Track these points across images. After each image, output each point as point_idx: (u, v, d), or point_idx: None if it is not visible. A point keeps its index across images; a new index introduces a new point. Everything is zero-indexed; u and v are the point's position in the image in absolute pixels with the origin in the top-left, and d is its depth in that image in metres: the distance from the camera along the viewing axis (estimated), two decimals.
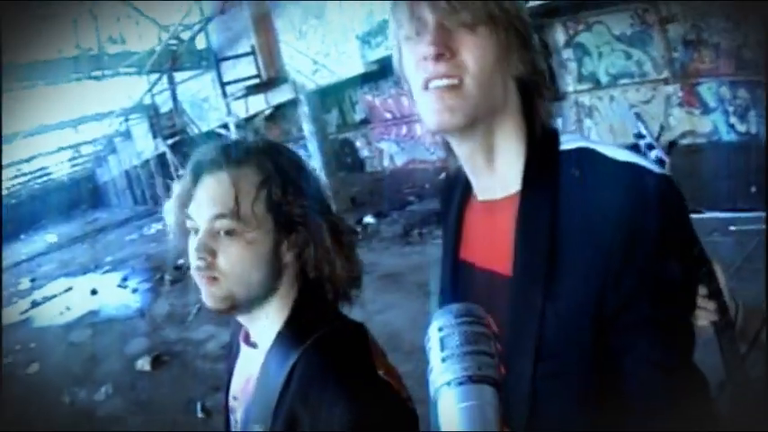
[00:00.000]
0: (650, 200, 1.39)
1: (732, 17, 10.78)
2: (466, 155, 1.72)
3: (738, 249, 7.95)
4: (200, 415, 8.21)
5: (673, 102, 12.32)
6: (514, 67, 1.63)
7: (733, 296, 1.89)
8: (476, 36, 1.54)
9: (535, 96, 1.67)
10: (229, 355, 2.14)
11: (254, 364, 1.85)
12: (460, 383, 1.19)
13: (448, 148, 1.78)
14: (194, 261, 1.74)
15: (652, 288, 1.38)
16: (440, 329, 1.26)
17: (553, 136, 1.65)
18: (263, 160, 1.78)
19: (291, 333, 1.78)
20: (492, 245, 1.69)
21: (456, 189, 1.94)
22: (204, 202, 1.75)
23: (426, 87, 1.57)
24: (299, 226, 1.78)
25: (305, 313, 1.82)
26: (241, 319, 1.91)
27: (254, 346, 1.91)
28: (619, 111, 13.59)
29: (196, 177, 1.81)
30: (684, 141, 12.16)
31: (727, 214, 10.00)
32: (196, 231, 1.75)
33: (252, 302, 1.80)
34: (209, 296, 1.76)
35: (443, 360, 1.22)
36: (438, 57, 1.52)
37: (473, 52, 1.53)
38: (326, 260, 1.82)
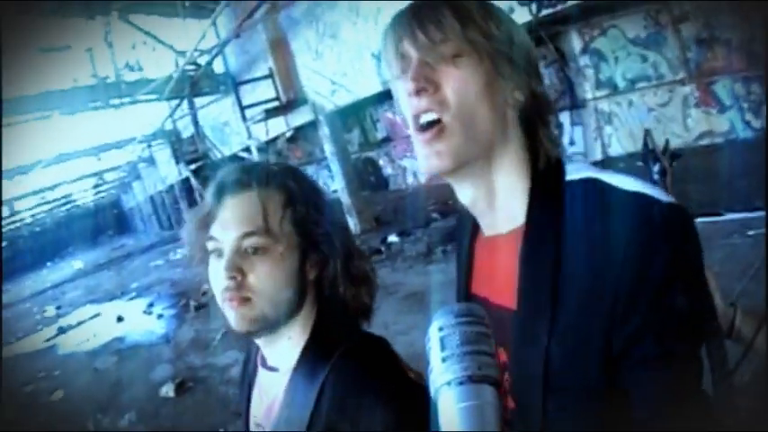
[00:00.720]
0: (658, 233, 1.33)
1: (739, 11, 10.76)
2: (465, 195, 1.68)
3: (756, 251, 7.88)
4: None
5: (690, 102, 12.34)
6: (510, 96, 1.58)
7: (734, 300, 1.86)
8: (458, 69, 1.52)
9: (538, 124, 1.62)
10: (243, 381, 2.17)
11: (277, 388, 1.87)
12: (460, 383, 1.19)
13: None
14: (223, 282, 1.75)
15: (659, 324, 1.32)
16: (440, 329, 1.26)
17: (557, 166, 1.60)
18: (286, 181, 1.85)
19: (316, 351, 1.81)
20: (500, 280, 1.64)
21: (466, 223, 1.88)
22: (231, 221, 1.78)
23: (416, 127, 1.56)
24: (320, 245, 1.85)
25: (327, 331, 1.85)
26: (262, 341, 1.93)
27: (273, 369, 1.92)
28: (638, 115, 13.61)
29: (219, 198, 1.84)
30: (703, 142, 12.13)
31: (744, 215, 9.93)
32: (219, 253, 1.79)
33: (279, 322, 1.82)
34: (239, 319, 1.77)
35: (443, 360, 1.23)
36: (418, 92, 1.52)
37: (453, 86, 1.52)
38: (340, 280, 1.88)
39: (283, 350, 1.88)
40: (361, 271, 1.95)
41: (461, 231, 1.94)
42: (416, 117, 1.56)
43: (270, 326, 1.81)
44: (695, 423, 1.34)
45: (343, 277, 1.88)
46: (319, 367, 1.75)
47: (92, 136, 34.55)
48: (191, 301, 17.30)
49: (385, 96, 19.14)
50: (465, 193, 1.67)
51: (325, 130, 20.43)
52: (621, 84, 13.65)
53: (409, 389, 1.70)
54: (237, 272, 1.72)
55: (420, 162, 1.60)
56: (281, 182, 1.84)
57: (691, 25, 11.73)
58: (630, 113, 13.79)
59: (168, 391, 10.40)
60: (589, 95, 14.22)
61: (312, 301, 1.90)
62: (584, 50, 14.04)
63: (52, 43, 22.68)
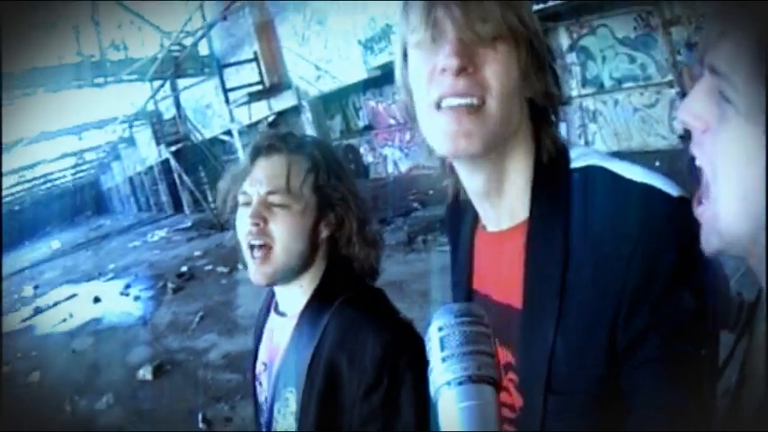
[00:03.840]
0: (667, 229, 1.29)
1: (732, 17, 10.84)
2: (475, 184, 1.59)
3: None
4: (200, 425, 8.14)
5: (676, 105, 12.34)
6: (531, 88, 1.50)
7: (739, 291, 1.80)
8: (497, 52, 1.41)
9: (542, 122, 1.56)
10: (258, 324, 2.34)
11: (284, 332, 2.09)
12: (460, 383, 1.16)
13: (452, 171, 1.66)
14: (247, 227, 1.99)
15: (665, 324, 1.28)
16: (440, 329, 1.23)
17: (562, 154, 1.53)
18: (314, 151, 2.10)
19: (321, 299, 2.03)
20: (504, 277, 1.58)
21: (464, 218, 1.83)
22: (260, 179, 2.02)
23: (439, 106, 1.43)
24: (337, 208, 2.08)
25: (333, 283, 2.07)
26: (278, 289, 2.16)
27: (282, 314, 2.16)
28: (623, 115, 13.62)
29: (253, 159, 2.08)
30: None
31: None
32: (248, 205, 2.02)
33: (292, 272, 2.05)
34: (258, 271, 2.01)
35: (443, 360, 1.20)
36: (460, 71, 1.38)
37: (496, 70, 1.41)
38: (354, 240, 2.10)
39: (294, 297, 2.09)
40: (373, 235, 2.17)
41: (458, 226, 1.87)
42: (442, 97, 1.42)
43: (285, 275, 2.03)
44: (698, 424, 1.30)
45: (357, 238, 2.10)
46: (323, 312, 1.97)
47: (74, 115, 34.47)
48: (168, 283, 17.32)
49: (369, 84, 19.16)
50: (476, 182, 1.58)
51: (307, 116, 20.47)
52: (608, 83, 13.67)
53: (399, 326, 1.95)
54: (260, 219, 1.96)
55: (439, 141, 1.46)
56: (308, 150, 2.08)
57: (682, 28, 11.77)
58: (616, 112, 13.81)
59: (146, 373, 10.35)
60: (575, 93, 14.24)
61: (323, 257, 2.11)
62: (572, 48, 14.06)
63: (39, 20, 22.52)
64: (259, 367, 2.23)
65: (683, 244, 1.25)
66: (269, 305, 2.28)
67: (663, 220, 1.29)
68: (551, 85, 1.53)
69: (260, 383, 2.22)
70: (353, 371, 1.84)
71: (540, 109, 1.55)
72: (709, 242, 1.31)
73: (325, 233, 2.07)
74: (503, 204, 1.58)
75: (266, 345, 2.22)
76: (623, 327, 1.30)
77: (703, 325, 1.31)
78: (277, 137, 2.12)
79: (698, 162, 1.42)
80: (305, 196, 2.01)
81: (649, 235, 1.28)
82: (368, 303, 2.02)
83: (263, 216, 1.97)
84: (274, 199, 1.98)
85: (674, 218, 1.28)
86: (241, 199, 2.05)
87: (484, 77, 1.40)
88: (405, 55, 1.56)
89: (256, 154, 2.09)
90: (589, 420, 1.39)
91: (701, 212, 1.34)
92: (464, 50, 1.38)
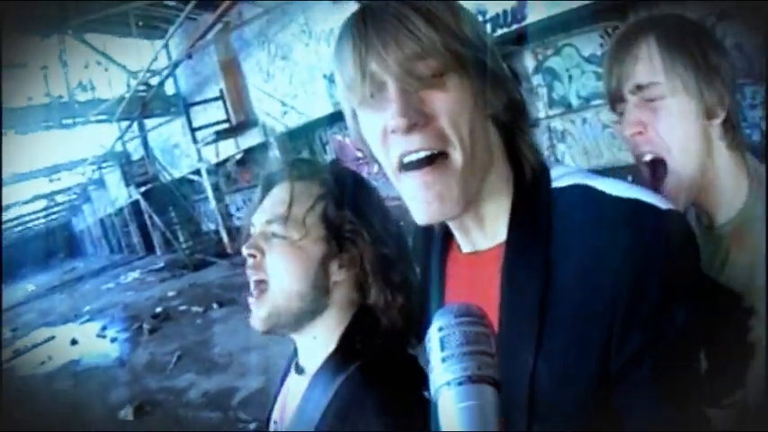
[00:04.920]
0: (655, 244, 1.23)
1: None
2: (452, 222, 1.52)
3: None
4: None
5: None
6: (490, 107, 1.40)
7: None
8: (446, 90, 1.32)
9: (516, 132, 1.47)
10: (280, 380, 2.15)
11: (298, 390, 1.87)
12: (460, 383, 1.18)
13: None
14: (247, 260, 1.82)
15: (658, 343, 1.24)
16: (440, 329, 1.25)
17: (543, 173, 1.46)
18: (328, 178, 1.86)
19: (339, 359, 1.79)
20: (480, 300, 1.33)
21: (434, 240, 1.70)
22: (264, 208, 1.85)
23: (402, 167, 1.38)
24: (349, 244, 1.82)
25: (354, 340, 1.82)
26: (294, 337, 1.94)
27: (300, 371, 1.93)
28: (592, 133, 13.48)
29: (265, 189, 1.92)
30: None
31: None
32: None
33: (296, 318, 1.82)
34: (255, 316, 1.82)
35: (443, 360, 1.21)
36: (410, 129, 1.30)
37: (450, 112, 1.32)
38: (372, 285, 1.83)
39: (312, 352, 1.88)
40: (401, 279, 1.86)
41: (428, 245, 1.75)
42: (403, 156, 1.36)
43: (286, 322, 1.82)
44: None
45: (376, 283, 1.82)
46: (337, 376, 1.74)
47: (44, 156, 34.17)
48: (144, 324, 17.15)
49: (335, 118, 19.03)
50: (452, 221, 1.52)
51: (275, 152, 20.31)
52: (575, 102, 13.48)
53: (410, 408, 1.59)
54: (257, 250, 1.79)
55: (413, 208, 1.40)
56: (322, 178, 1.87)
57: None
58: (584, 131, 13.60)
59: (127, 414, 10.28)
60: (542, 114, 14.11)
61: (344, 305, 1.86)
62: (537, 69, 13.93)
63: (9, 60, 22.39)
64: (271, 426, 2.03)
65: (675, 257, 1.24)
66: (291, 361, 2.05)
67: (651, 235, 1.24)
68: (512, 91, 1.44)
69: None
70: None
71: (510, 119, 1.46)
72: (679, 200, 1.46)
73: (339, 275, 1.82)
74: (480, 227, 1.50)
75: (280, 402, 2.04)
76: (617, 348, 1.26)
77: (697, 338, 1.31)
78: (286, 163, 1.94)
79: (651, 156, 1.58)
80: (308, 227, 1.79)
81: (639, 251, 1.23)
82: (383, 375, 1.73)
83: (260, 247, 1.80)
84: (272, 228, 1.79)
85: (664, 231, 1.25)
86: (251, 231, 1.89)
87: (440, 126, 1.33)
88: (354, 112, 1.47)
89: (267, 184, 1.93)
90: None
91: (667, 185, 1.49)
92: (409, 104, 1.30)
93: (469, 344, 1.20)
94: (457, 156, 1.34)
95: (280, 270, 1.78)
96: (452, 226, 1.55)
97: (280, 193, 1.85)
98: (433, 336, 1.23)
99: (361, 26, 1.35)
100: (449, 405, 1.18)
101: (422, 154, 1.33)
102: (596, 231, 1.29)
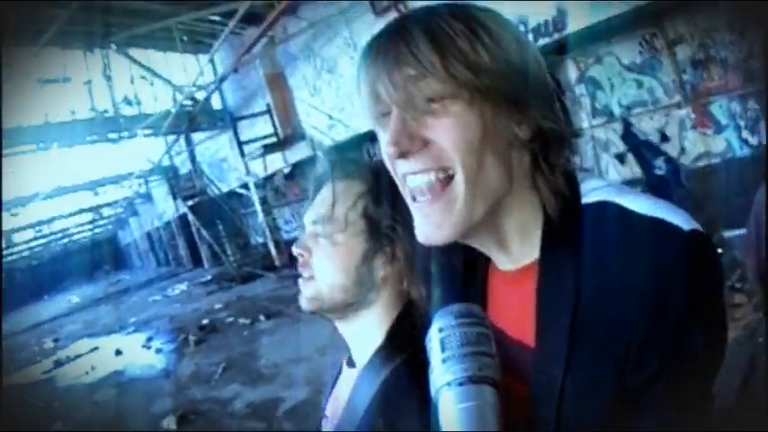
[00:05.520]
0: (676, 265, 1.20)
1: (736, 27, 10.73)
2: (472, 243, 1.51)
3: None
4: None
5: (686, 125, 12.25)
6: (513, 134, 1.37)
7: None
8: (450, 116, 1.30)
9: (551, 149, 1.41)
10: (333, 377, 2.19)
11: (349, 383, 1.93)
12: (460, 384, 1.21)
13: None
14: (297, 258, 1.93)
15: (675, 368, 1.22)
16: (440, 330, 1.28)
17: (573, 190, 1.41)
18: (368, 175, 1.90)
19: (385, 353, 1.83)
20: (517, 315, 1.46)
21: (476, 255, 1.63)
22: (312, 209, 1.93)
23: (404, 185, 1.42)
24: (389, 239, 1.86)
25: (400, 334, 1.85)
26: (339, 326, 2.00)
27: (352, 365, 1.99)
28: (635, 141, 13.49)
29: (315, 190, 1.99)
30: (700, 164, 12.12)
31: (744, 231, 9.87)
32: None
33: (340, 308, 1.90)
34: (302, 297, 1.93)
35: (444, 361, 1.25)
36: (401, 155, 1.35)
37: (446, 138, 1.31)
38: (406, 280, 1.87)
39: (361, 346, 1.93)
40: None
41: (469, 261, 1.67)
42: (405, 175, 1.39)
43: (329, 308, 1.90)
44: None
45: (409, 277, 1.86)
46: (384, 368, 1.77)
47: (89, 170, 34.54)
48: (190, 335, 17.17)
49: None
50: (473, 243, 1.51)
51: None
52: (617, 110, 13.50)
53: None
54: (305, 250, 1.90)
55: (417, 231, 1.42)
56: (363, 175, 1.91)
57: (686, 47, 11.65)
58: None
59: (170, 423, 10.28)
60: (585, 124, 14.03)
61: (392, 301, 1.90)
62: (580, 79, 13.90)
63: (52, 75, 22.63)
64: (324, 420, 2.08)
65: (695, 281, 1.20)
66: (342, 362, 2.10)
67: (673, 257, 1.21)
68: (544, 119, 1.37)
69: None
70: None
71: (542, 149, 1.40)
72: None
73: (384, 270, 1.87)
74: (508, 251, 1.49)
75: (332, 396, 2.08)
76: (633, 370, 1.23)
77: (714, 362, 1.29)
78: (331, 164, 1.99)
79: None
80: (352, 224, 1.85)
81: (659, 273, 1.20)
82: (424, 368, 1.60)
83: (308, 247, 1.90)
84: (317, 229, 1.88)
85: (686, 253, 1.21)
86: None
87: (440, 149, 1.32)
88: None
89: (317, 185, 2.00)
90: None
91: None
92: (403, 131, 1.32)
93: (470, 344, 1.26)
94: (460, 180, 1.33)
95: (324, 267, 1.86)
96: (480, 248, 1.54)
97: (324, 194, 1.91)
98: (434, 336, 1.31)
99: (374, 48, 1.38)
100: (449, 405, 1.22)
101: (424, 177, 1.35)
102: (621, 250, 1.27)
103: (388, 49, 1.33)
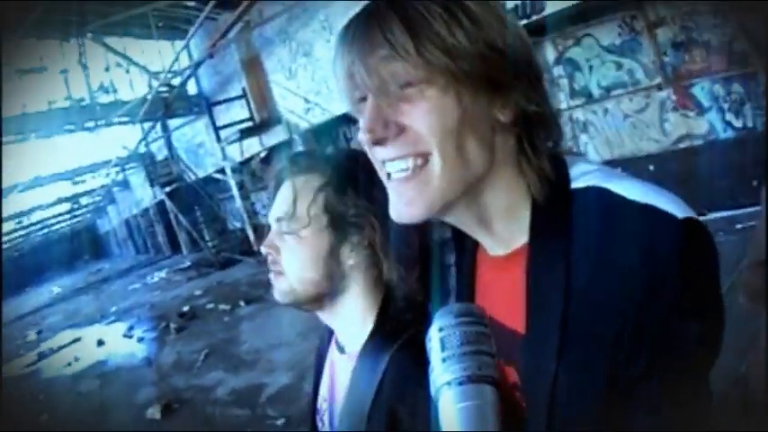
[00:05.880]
0: (669, 254, 1.15)
1: (720, 12, 10.76)
2: (455, 223, 1.48)
3: (744, 246, 7.84)
4: None
5: (667, 107, 12.26)
6: (494, 117, 1.33)
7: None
8: (426, 100, 1.27)
9: (535, 133, 1.38)
10: (318, 356, 2.22)
11: (343, 369, 1.94)
12: (460, 383, 1.19)
13: None
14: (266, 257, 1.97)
15: (668, 363, 1.18)
16: (440, 329, 1.26)
17: (562, 174, 1.38)
18: (325, 167, 1.91)
19: (380, 338, 1.84)
20: (507, 301, 1.44)
21: (465, 240, 1.62)
22: (274, 207, 1.96)
23: (381, 169, 1.40)
24: (356, 228, 1.87)
25: (391, 318, 1.85)
26: (321, 315, 2.03)
27: (341, 350, 2.00)
28: (614, 123, 13.49)
29: (276, 188, 2.01)
30: (682, 145, 12.16)
31: (730, 212, 10.10)
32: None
33: (314, 299, 1.93)
34: (275, 290, 1.96)
35: (444, 360, 1.23)
36: (377, 142, 1.33)
37: (422, 122, 1.28)
38: (386, 263, 1.86)
39: (347, 331, 1.97)
40: (410, 255, 1.82)
41: (459, 246, 1.68)
42: (384, 161, 1.37)
43: (304, 300, 1.93)
44: None
45: (387, 260, 1.85)
46: (382, 355, 1.78)
47: (67, 159, 34.41)
48: (171, 323, 17.22)
49: None
50: (455, 222, 1.48)
51: (299, 149, 20.45)
52: (596, 92, 13.45)
53: None
54: (272, 248, 1.93)
55: (390, 207, 1.39)
56: (321, 169, 1.91)
57: (667, 29, 11.67)
58: (606, 121, 13.59)
59: (154, 413, 10.27)
60: (564, 105, 14.07)
61: (370, 286, 1.92)
62: (558, 61, 13.94)
63: (28, 65, 22.53)
64: (321, 403, 2.11)
65: (688, 270, 1.15)
66: (329, 337, 2.13)
67: (665, 245, 1.16)
68: (526, 101, 1.33)
69: (321, 420, 2.10)
70: (417, 421, 1.62)
71: (525, 132, 1.37)
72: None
73: (352, 258, 1.89)
74: (494, 235, 1.46)
75: (327, 380, 2.10)
76: (624, 363, 1.19)
77: (710, 356, 1.24)
78: (289, 160, 2.01)
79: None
80: (315, 219, 1.86)
81: (650, 261, 1.16)
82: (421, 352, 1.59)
83: (275, 245, 1.92)
84: (282, 226, 1.90)
85: (678, 242, 1.16)
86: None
87: (417, 134, 1.29)
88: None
89: (276, 183, 2.02)
90: None
91: None
92: (378, 117, 1.30)
93: (470, 344, 1.24)
94: (436, 162, 1.30)
95: (293, 263, 1.89)
96: (468, 232, 1.52)
97: (285, 191, 1.94)
98: (434, 336, 1.28)
99: (349, 32, 1.35)
100: (449, 405, 1.20)
101: (401, 163, 1.32)
102: (611, 236, 1.23)
103: (362, 33, 1.30)
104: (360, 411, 1.78)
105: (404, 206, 1.35)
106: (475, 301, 1.58)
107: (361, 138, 1.33)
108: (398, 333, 1.79)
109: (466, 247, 1.64)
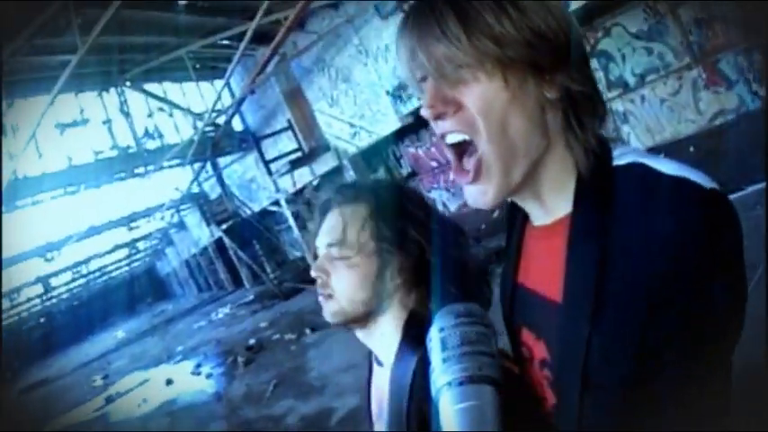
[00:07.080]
0: (698, 221, 1.22)
1: None
2: (515, 199, 1.59)
3: None
4: None
5: (699, 85, 12.21)
6: (543, 96, 1.43)
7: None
8: (477, 83, 1.39)
9: (581, 109, 1.46)
10: (365, 379, 2.31)
11: (385, 382, 2.02)
12: (460, 384, 1.24)
13: None
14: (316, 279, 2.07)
15: (695, 324, 1.23)
16: (440, 330, 1.32)
17: (605, 151, 1.47)
18: (370, 197, 2.07)
19: (407, 347, 1.94)
20: (547, 271, 1.53)
21: (516, 212, 1.75)
22: (322, 233, 2.09)
23: (444, 142, 1.50)
24: (399, 251, 2.00)
25: (416, 328, 1.91)
26: (359, 334, 2.13)
27: (380, 364, 2.12)
28: (652, 109, 13.38)
29: (321, 215, 2.15)
30: (716, 122, 12.10)
31: (764, 185, 10.03)
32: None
33: (362, 318, 2.04)
34: (325, 311, 2.07)
35: (444, 361, 1.28)
36: (437, 117, 1.44)
37: (476, 105, 1.39)
38: (418, 286, 2.03)
39: (384, 347, 2.06)
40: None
41: (511, 220, 1.82)
42: (444, 135, 1.48)
43: (352, 320, 2.05)
44: (722, 424, 1.33)
45: (422, 284, 2.01)
46: (410, 362, 1.87)
47: (120, 206, 34.57)
48: (238, 357, 17.20)
49: (405, 132, 19.07)
50: (513, 198, 1.59)
51: (350, 174, 20.45)
52: (631, 80, 13.36)
53: None
54: (323, 272, 2.04)
55: (466, 195, 1.51)
56: (365, 198, 2.07)
57: (688, 8, 11.61)
58: (644, 108, 13.43)
59: None
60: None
61: (404, 302, 2.04)
62: (591, 53, 13.86)
63: (68, 119, 22.70)
64: (375, 420, 2.19)
65: (716, 237, 1.22)
66: (371, 359, 2.24)
67: (694, 213, 1.23)
68: (571, 81, 1.42)
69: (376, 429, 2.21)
70: None
71: (571, 111, 1.46)
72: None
73: (396, 279, 2.01)
74: (543, 204, 1.55)
75: (375, 397, 2.20)
76: (653, 326, 1.24)
77: (736, 322, 1.30)
78: (334, 190, 2.16)
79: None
80: (362, 245, 2.00)
81: (679, 229, 1.22)
82: None
83: (326, 269, 2.04)
84: (334, 252, 2.02)
85: (706, 210, 1.23)
86: (317, 254, 2.13)
87: (469, 116, 1.41)
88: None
89: (322, 211, 2.15)
90: (623, 417, 1.34)
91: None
92: (437, 96, 1.43)
93: (470, 344, 1.28)
94: (486, 150, 1.41)
95: (343, 286, 2.02)
96: (518, 202, 1.61)
97: (333, 219, 2.08)
98: (434, 336, 1.31)
99: (408, 23, 1.47)
100: (449, 405, 1.25)
101: (455, 137, 1.45)
102: (648, 208, 1.29)
103: (420, 24, 1.43)
104: (399, 419, 1.88)
105: (479, 195, 1.47)
106: (519, 269, 1.72)
107: (424, 113, 1.46)
108: (422, 340, 1.74)
109: (517, 221, 1.76)
